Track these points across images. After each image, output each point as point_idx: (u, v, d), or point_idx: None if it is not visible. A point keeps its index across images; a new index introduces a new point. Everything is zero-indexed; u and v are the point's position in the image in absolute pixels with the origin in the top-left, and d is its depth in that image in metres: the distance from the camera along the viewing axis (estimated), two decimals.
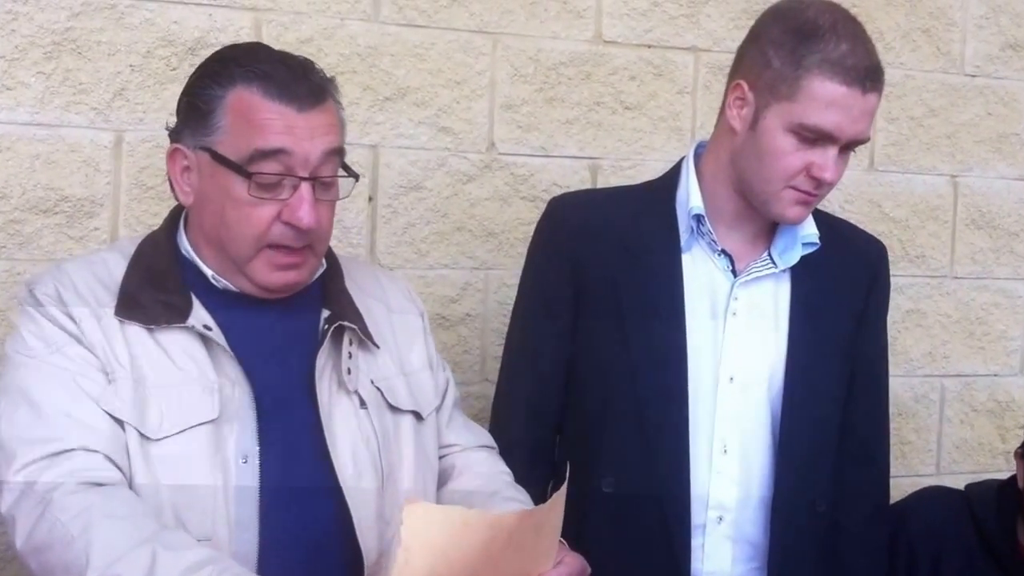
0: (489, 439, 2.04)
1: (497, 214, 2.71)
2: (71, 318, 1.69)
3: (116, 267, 1.76)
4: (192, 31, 2.46)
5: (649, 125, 2.83)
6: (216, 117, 1.70)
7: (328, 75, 1.78)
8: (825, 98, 1.93)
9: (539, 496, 2.10)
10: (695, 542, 2.07)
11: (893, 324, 2.99)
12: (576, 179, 2.77)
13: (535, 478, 2.12)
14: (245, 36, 2.49)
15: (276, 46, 2.45)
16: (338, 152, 1.75)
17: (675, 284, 2.07)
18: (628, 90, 2.81)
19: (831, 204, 2.98)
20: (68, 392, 1.65)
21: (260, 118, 1.67)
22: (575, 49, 2.76)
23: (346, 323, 1.80)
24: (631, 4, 2.81)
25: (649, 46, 2.82)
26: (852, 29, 1.96)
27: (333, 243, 2.51)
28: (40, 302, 1.71)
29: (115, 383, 1.66)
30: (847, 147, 2.00)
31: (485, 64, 2.70)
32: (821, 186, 1.99)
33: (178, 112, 1.79)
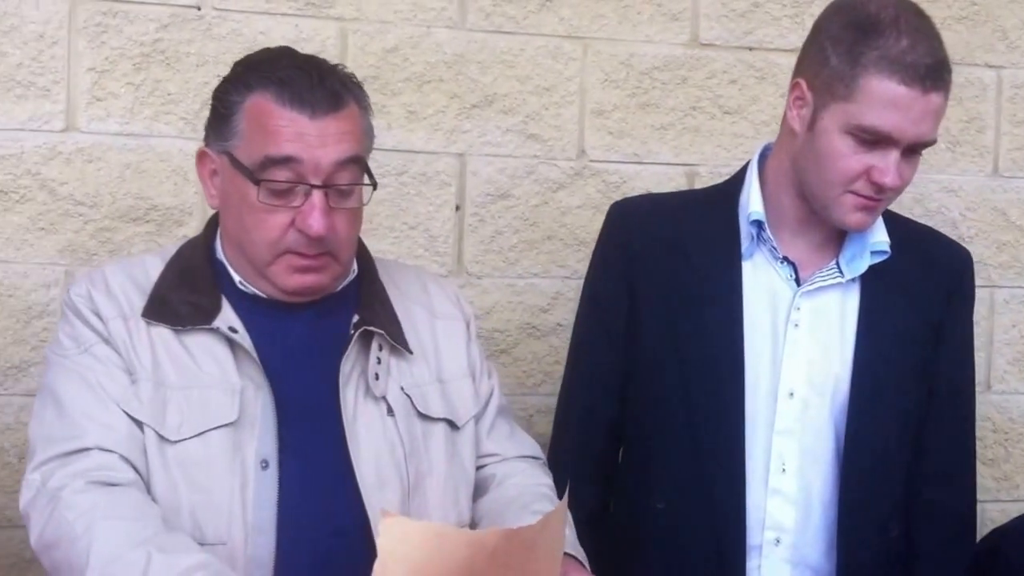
0: (534, 450, 1.98)
1: (589, 222, 2.63)
2: (100, 318, 1.71)
3: (154, 269, 1.77)
4: (278, 41, 2.43)
5: (751, 130, 2.72)
6: (234, 122, 1.70)
7: (354, 80, 1.76)
8: (883, 98, 1.83)
9: (597, 510, 2.04)
10: (751, 564, 1.97)
11: (1019, 340, 2.90)
12: (672, 186, 2.68)
13: (593, 491, 2.07)
14: (331, 46, 2.50)
15: (361, 56, 2.52)
16: (355, 160, 1.72)
17: (733, 293, 1.98)
18: (727, 94, 2.71)
19: (951, 212, 2.83)
20: (91, 392, 1.66)
21: (272, 125, 1.66)
22: (670, 53, 2.68)
23: (372, 328, 1.76)
24: (730, 5, 2.71)
25: (750, 48, 2.72)
26: (916, 24, 1.85)
27: (419, 251, 2.57)
28: (73, 303, 1.73)
29: (137, 384, 1.67)
30: (911, 150, 1.88)
31: (575, 70, 2.64)
32: (883, 191, 1.88)
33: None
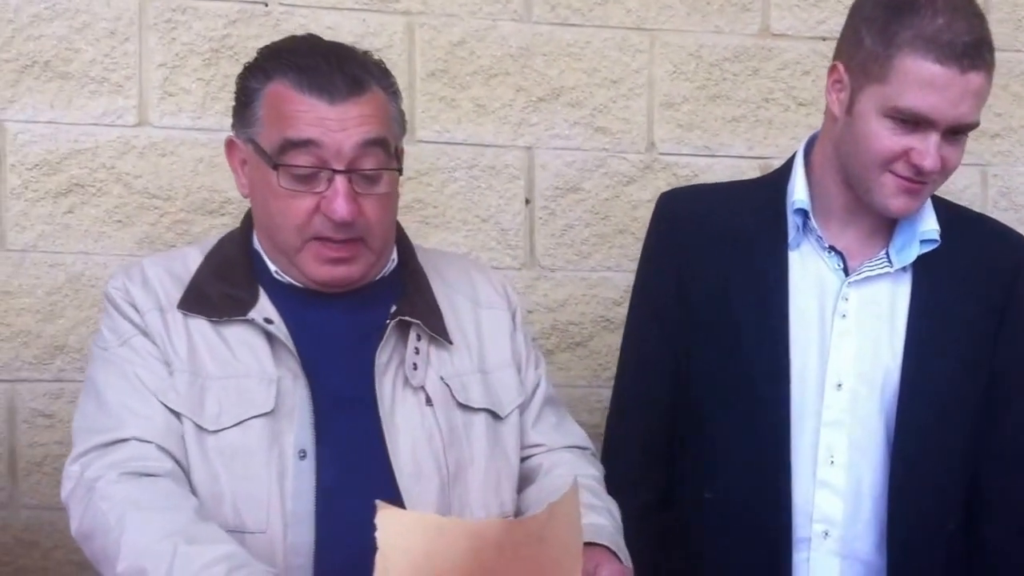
0: (582, 440, 1.95)
1: None
2: (137, 311, 1.73)
3: (193, 261, 1.79)
4: (346, 36, 2.48)
5: None
6: (255, 109, 1.71)
7: (380, 66, 1.76)
8: (918, 78, 1.77)
9: (653, 499, 2.03)
10: (799, 556, 1.94)
11: None
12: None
13: (648, 482, 2.05)
14: (398, 40, 2.52)
15: (429, 50, 2.54)
16: (380, 143, 1.70)
17: (779, 283, 1.94)
18: (801, 85, 2.66)
19: None
20: (129, 383, 1.68)
21: (291, 110, 1.66)
22: (740, 44, 2.64)
23: (408, 318, 1.76)
24: None
25: (823, 38, 2.65)
26: (954, 2, 1.79)
27: (492, 244, 2.57)
28: (111, 296, 1.76)
29: (174, 375, 1.69)
30: (953, 132, 1.82)
31: (643, 62, 2.62)
32: (922, 173, 1.83)
33: None
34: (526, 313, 2.56)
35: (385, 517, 1.38)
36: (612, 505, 1.83)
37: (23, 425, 2.45)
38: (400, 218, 2.42)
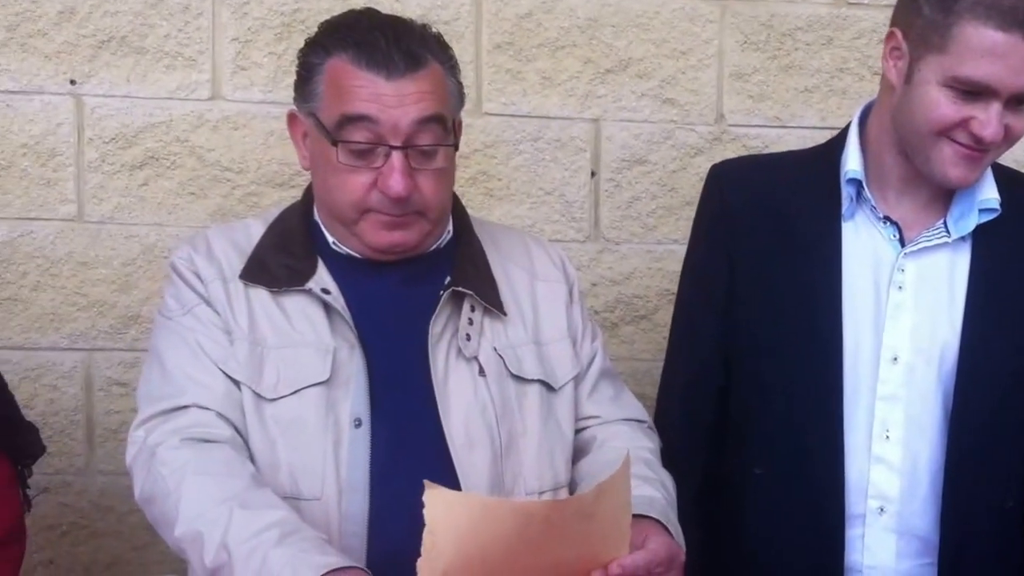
0: (639, 413, 1.96)
1: None
2: (200, 280, 1.77)
3: (255, 233, 1.83)
4: (415, 9, 2.50)
5: None
6: (315, 84, 1.73)
7: (439, 40, 1.76)
8: (979, 47, 1.72)
9: (702, 476, 2.02)
10: (853, 532, 1.91)
11: None
12: None
13: (697, 458, 2.04)
14: (465, 13, 2.53)
15: (495, 22, 2.54)
16: (437, 119, 1.71)
17: (832, 254, 1.91)
18: (876, 54, 2.59)
19: None
20: (191, 351, 1.73)
21: (349, 85, 1.68)
22: (814, 12, 2.60)
23: (462, 289, 1.77)
24: None
25: None
26: None
27: (556, 217, 2.59)
28: (176, 266, 1.80)
29: (234, 344, 1.73)
30: (1017, 100, 1.76)
31: (712, 32, 2.59)
32: (983, 143, 1.77)
33: None
34: (590, 286, 2.59)
35: (433, 496, 1.40)
36: (667, 479, 1.83)
37: (99, 393, 2.53)
38: (464, 190, 2.49)
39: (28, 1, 2.45)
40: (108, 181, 2.51)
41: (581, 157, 2.59)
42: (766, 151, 2.60)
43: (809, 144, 2.54)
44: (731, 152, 2.59)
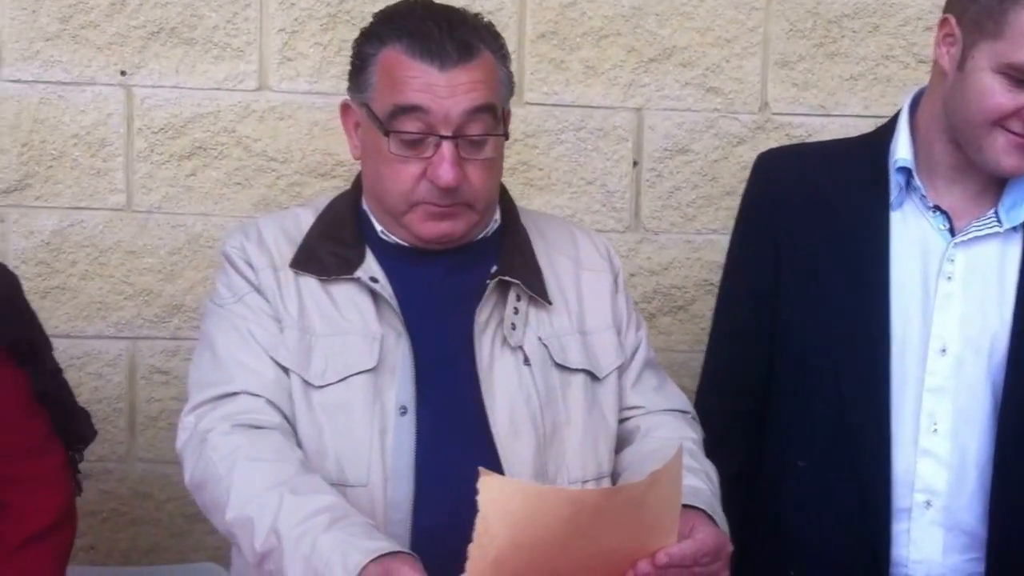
0: (683, 403, 1.95)
1: None
2: (252, 268, 1.78)
3: (305, 221, 1.83)
4: (458, 1, 2.52)
5: None
6: (369, 74, 1.73)
7: (491, 29, 1.76)
8: None
9: (741, 468, 2.00)
10: (899, 526, 1.88)
11: None
12: None
13: (736, 448, 2.02)
14: (509, 2, 2.52)
15: (540, 11, 2.53)
16: (488, 109, 1.71)
17: (879, 244, 1.88)
18: (923, 41, 2.56)
19: None
20: (241, 338, 1.74)
21: (401, 76, 1.68)
22: (860, 0, 2.57)
23: (508, 278, 1.77)
24: None
25: None
26: None
27: (596, 207, 2.58)
28: (228, 254, 1.82)
29: (284, 331, 1.74)
30: None
31: (758, 20, 2.57)
32: None
33: None
34: (628, 276, 2.56)
35: (487, 483, 1.40)
36: (710, 469, 1.82)
37: (141, 381, 2.56)
38: (505, 180, 2.43)
39: None
40: (156, 171, 2.53)
41: (623, 147, 2.58)
42: (809, 140, 2.57)
43: (853, 133, 2.51)
44: (774, 141, 2.57)
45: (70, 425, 1.96)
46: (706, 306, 2.61)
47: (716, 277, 2.57)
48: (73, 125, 2.51)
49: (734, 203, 2.53)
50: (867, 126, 2.56)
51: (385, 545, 1.51)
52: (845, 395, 1.89)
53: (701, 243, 2.62)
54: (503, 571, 1.42)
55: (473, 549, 1.40)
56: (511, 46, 2.46)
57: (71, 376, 2.48)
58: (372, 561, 1.47)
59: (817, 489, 1.94)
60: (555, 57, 2.55)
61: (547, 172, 2.58)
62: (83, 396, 2.52)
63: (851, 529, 1.90)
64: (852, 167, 1.96)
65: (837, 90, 2.59)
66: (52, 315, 2.52)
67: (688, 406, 1.95)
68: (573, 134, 2.56)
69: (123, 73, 2.50)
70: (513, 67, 2.41)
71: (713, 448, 1.91)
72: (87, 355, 2.55)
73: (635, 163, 2.58)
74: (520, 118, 2.53)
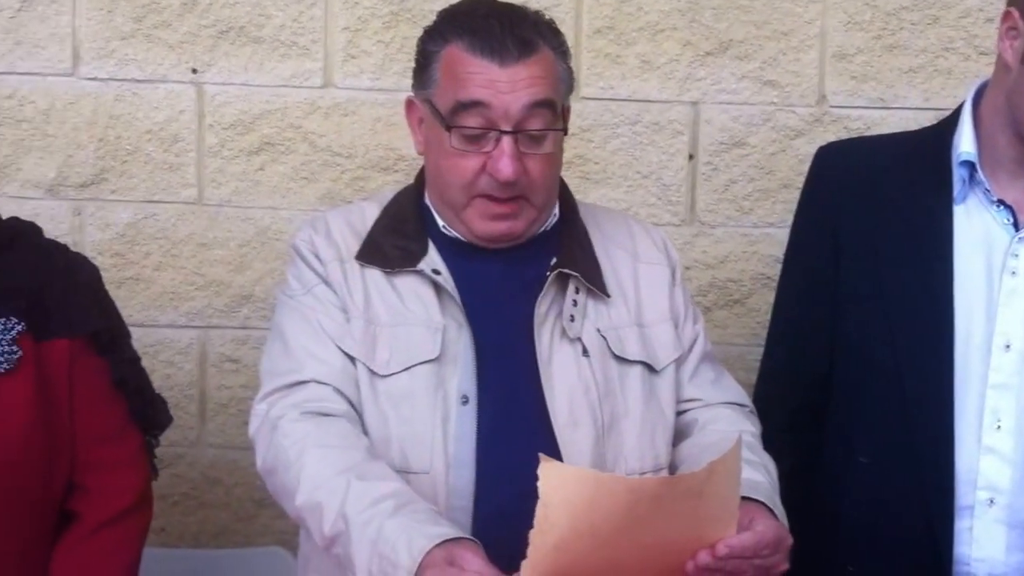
0: (740, 397, 1.93)
1: None
2: (320, 261, 1.81)
3: (371, 215, 1.85)
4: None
5: None
6: (432, 71, 1.75)
7: (551, 27, 1.77)
8: None
9: (799, 464, 1.97)
10: (961, 524, 1.84)
11: None
12: None
13: (796, 443, 1.99)
14: (565, 0, 2.51)
15: (595, 7, 2.50)
16: (547, 104, 1.71)
17: (943, 239, 1.84)
18: (983, 33, 2.51)
19: None
20: (311, 329, 1.76)
21: (463, 72, 1.70)
22: None
23: (567, 271, 1.77)
24: None
25: None
26: None
27: (652, 200, 2.55)
28: (298, 247, 1.84)
29: (350, 322, 1.76)
30: None
31: (815, 13, 2.53)
32: None
33: None
34: (683, 270, 2.54)
35: (547, 470, 1.40)
36: (769, 462, 1.80)
37: (212, 369, 2.60)
38: (562, 174, 2.46)
39: None
40: (226, 166, 2.56)
41: (679, 140, 2.55)
42: (867, 133, 2.52)
43: (912, 126, 2.47)
44: (831, 134, 2.52)
45: (147, 411, 2.01)
46: (763, 300, 2.57)
47: (773, 271, 2.53)
48: (147, 121, 2.54)
49: (791, 196, 2.52)
50: (927, 119, 2.49)
51: (449, 531, 1.53)
52: (908, 392, 1.86)
53: (758, 236, 2.58)
54: (564, 557, 1.42)
55: (534, 535, 1.40)
56: (567, 42, 2.52)
57: (145, 363, 2.46)
58: (436, 546, 1.49)
59: (878, 486, 1.91)
60: (611, 52, 2.53)
61: (603, 166, 2.56)
62: (155, 383, 2.46)
63: (912, 526, 1.87)
64: (914, 161, 1.92)
65: (896, 83, 2.54)
66: (126, 305, 2.52)
67: (746, 399, 1.93)
68: (629, 128, 2.54)
69: (194, 71, 2.54)
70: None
71: (772, 442, 1.89)
72: (160, 343, 2.59)
73: (691, 157, 2.55)
74: (576, 112, 2.46)
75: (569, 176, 2.48)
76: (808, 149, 2.53)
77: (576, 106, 2.49)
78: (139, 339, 2.49)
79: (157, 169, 2.58)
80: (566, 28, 2.45)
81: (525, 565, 1.41)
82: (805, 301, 2.01)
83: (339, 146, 2.57)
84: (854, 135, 2.53)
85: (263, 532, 2.61)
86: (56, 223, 2.55)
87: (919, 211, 1.88)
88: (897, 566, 1.90)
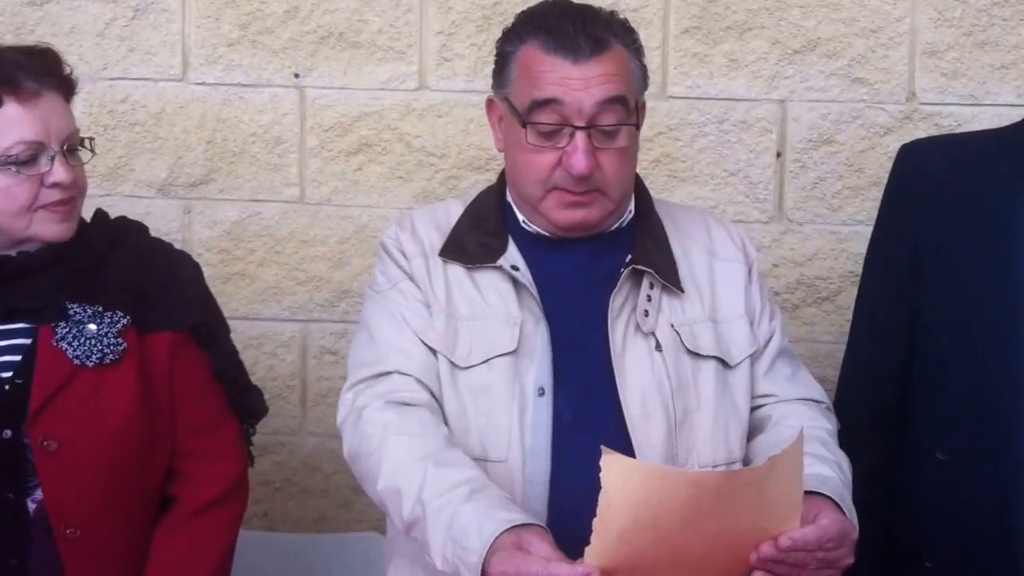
0: (817, 393, 1.93)
1: None
2: (405, 257, 1.87)
3: (454, 213, 1.91)
4: (602, 1, 2.59)
5: None
6: (509, 70, 1.80)
7: (625, 26, 1.81)
8: None
9: (880, 460, 1.98)
10: None
11: None
12: None
13: (877, 440, 2.00)
14: (653, 1, 2.54)
15: (683, 7, 2.54)
16: (619, 100, 1.75)
17: (1017, 232, 1.82)
18: None
19: None
20: (395, 322, 1.83)
21: (538, 70, 1.75)
22: None
23: (641, 267, 1.80)
24: None
25: None
26: None
27: (740, 198, 2.58)
28: (385, 244, 1.91)
29: (433, 316, 1.82)
30: None
31: (904, 10, 2.52)
32: None
33: None
34: (771, 267, 2.56)
35: (609, 462, 1.43)
36: (843, 459, 1.79)
37: (312, 361, 2.70)
38: (648, 172, 2.49)
39: (258, 2, 2.62)
40: (326, 166, 2.65)
41: (766, 138, 2.56)
42: (958, 130, 2.50)
43: (1005, 122, 2.41)
44: (922, 131, 2.51)
45: (245, 402, 2.08)
46: (852, 297, 2.47)
47: (861, 268, 2.60)
48: (252, 124, 2.65)
49: (880, 194, 2.50)
50: (1019, 116, 2.44)
51: (519, 517, 1.57)
52: (986, 389, 1.84)
53: (847, 234, 2.57)
54: (626, 547, 1.45)
55: (597, 524, 1.43)
56: (655, 42, 2.51)
57: (249, 355, 2.63)
58: (505, 531, 1.53)
59: (955, 482, 1.89)
60: (699, 51, 2.55)
61: (690, 164, 2.59)
62: (259, 374, 2.66)
63: (990, 522, 1.85)
64: (1002, 158, 1.90)
65: (988, 79, 2.51)
66: (232, 299, 2.67)
67: (823, 396, 1.93)
68: (716, 126, 2.56)
69: (296, 76, 2.64)
70: (656, 62, 2.47)
71: (854, 439, 1.90)
72: (263, 336, 2.70)
73: (778, 154, 2.56)
74: (663, 111, 2.54)
75: (657, 174, 2.55)
76: (897, 146, 2.53)
77: (663, 105, 2.55)
78: (243, 331, 2.65)
79: (261, 169, 2.69)
80: (654, 28, 2.54)
81: (588, 552, 1.45)
82: (886, 298, 2.01)
83: (433, 146, 2.64)
84: (944, 132, 2.51)
85: (360, 518, 2.69)
86: (167, 221, 2.69)
87: (1005, 207, 1.86)
88: (974, 562, 1.89)
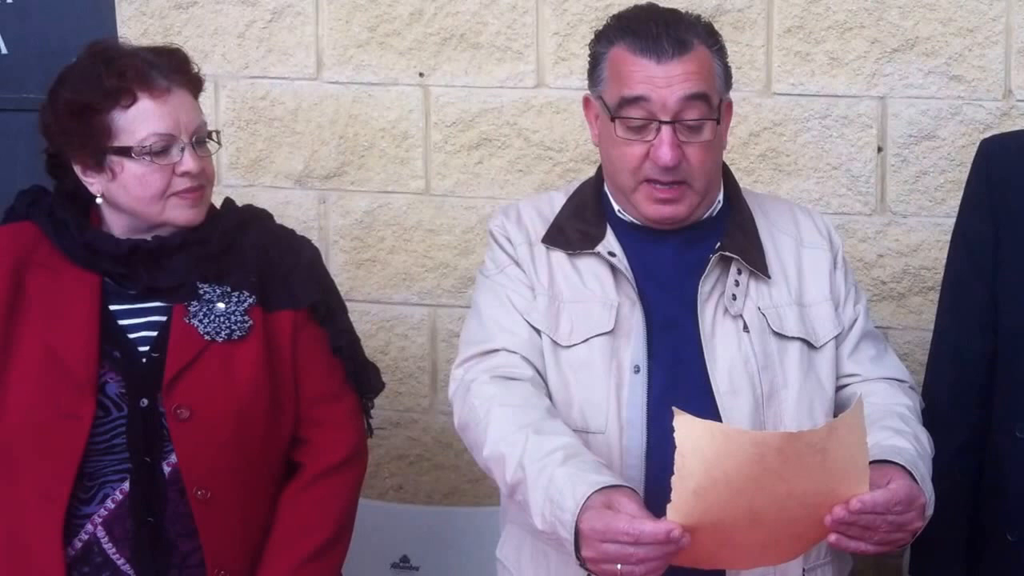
0: (901, 373, 2.10)
1: None
2: (511, 244, 2.11)
3: (557, 203, 2.15)
4: (708, 1, 2.80)
5: None
6: (601, 70, 2.04)
7: (708, 29, 2.04)
8: None
9: (967, 440, 2.17)
10: None
11: None
12: None
13: (965, 421, 2.15)
14: (756, 2, 2.79)
15: (785, 7, 2.78)
16: (701, 97, 1.96)
17: None
18: None
19: None
20: (501, 304, 2.08)
21: (626, 70, 1.98)
22: None
23: (728, 253, 2.01)
24: None
25: None
26: None
27: (842, 191, 2.80)
28: (493, 232, 2.16)
29: (536, 298, 2.06)
30: None
31: (1000, 9, 2.67)
32: None
33: None
34: (876, 257, 2.76)
35: (681, 422, 1.63)
36: (922, 434, 1.97)
37: (441, 344, 3.00)
38: (754, 167, 2.73)
39: (385, 6, 2.92)
40: (450, 160, 2.95)
41: (867, 133, 2.75)
42: None
43: None
44: (1021, 127, 2.63)
45: (361, 376, 2.32)
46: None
47: None
48: (381, 120, 2.96)
49: None
50: None
51: (609, 479, 1.78)
52: None
53: (950, 226, 2.54)
54: (703, 503, 1.64)
55: (675, 481, 1.63)
56: (759, 41, 2.73)
57: (382, 336, 2.96)
58: (596, 492, 1.75)
59: None
60: (801, 50, 2.76)
61: (794, 158, 2.80)
62: (392, 355, 2.97)
63: None
64: None
65: None
66: (365, 283, 2.99)
67: (907, 376, 2.11)
68: (819, 122, 2.77)
69: (421, 75, 2.95)
70: (760, 61, 2.70)
71: (943, 419, 2.07)
72: (395, 319, 3.00)
73: (879, 149, 2.77)
74: (768, 108, 2.77)
75: (762, 168, 2.78)
76: None
77: (767, 102, 2.79)
78: (377, 314, 2.99)
79: (390, 163, 3.00)
80: (757, 29, 2.76)
81: (669, 509, 1.66)
82: (968, 288, 2.18)
83: (551, 141, 2.90)
84: None
85: (489, 494, 2.94)
86: (304, 210, 3.02)
87: None
88: None
